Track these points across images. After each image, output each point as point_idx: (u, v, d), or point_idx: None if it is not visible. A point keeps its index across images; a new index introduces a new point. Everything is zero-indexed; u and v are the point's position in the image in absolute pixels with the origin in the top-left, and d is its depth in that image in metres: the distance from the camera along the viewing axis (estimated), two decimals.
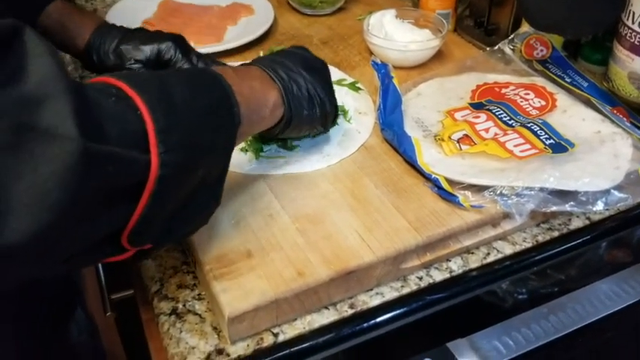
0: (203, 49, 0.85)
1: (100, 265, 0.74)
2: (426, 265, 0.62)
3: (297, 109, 0.62)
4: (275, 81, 0.60)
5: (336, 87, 0.81)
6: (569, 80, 0.83)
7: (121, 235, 0.45)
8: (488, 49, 0.91)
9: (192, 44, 0.78)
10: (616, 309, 0.62)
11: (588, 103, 0.78)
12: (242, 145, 0.71)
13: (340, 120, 0.76)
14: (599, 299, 0.62)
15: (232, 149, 0.53)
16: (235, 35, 0.98)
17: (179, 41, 0.74)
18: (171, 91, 0.46)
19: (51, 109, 0.36)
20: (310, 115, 0.63)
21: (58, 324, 0.75)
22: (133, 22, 1.00)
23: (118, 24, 0.97)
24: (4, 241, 0.34)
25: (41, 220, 0.35)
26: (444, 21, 0.91)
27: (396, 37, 0.88)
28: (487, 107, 0.75)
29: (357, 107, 0.79)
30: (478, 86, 0.81)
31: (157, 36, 0.75)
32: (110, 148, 0.39)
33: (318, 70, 0.65)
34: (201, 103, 0.49)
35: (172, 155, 0.43)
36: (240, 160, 0.69)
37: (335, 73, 0.85)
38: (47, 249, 0.38)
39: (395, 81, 0.76)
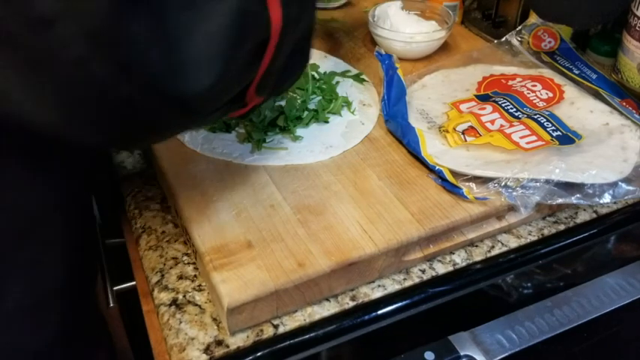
0: None
1: (102, 257, 0.74)
2: (429, 258, 0.61)
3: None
4: None
5: (340, 79, 0.81)
6: (577, 72, 0.82)
7: (247, 89, 0.49)
8: (495, 41, 0.90)
9: None
10: (622, 303, 0.61)
11: (597, 95, 0.77)
12: (244, 135, 0.70)
13: (344, 111, 0.75)
14: (606, 293, 0.61)
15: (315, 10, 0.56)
16: None
17: None
18: None
19: None
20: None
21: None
22: None
23: None
24: (188, 90, 0.40)
25: (214, 70, 0.41)
26: (451, 12, 0.90)
27: (402, 28, 0.87)
28: (493, 99, 0.74)
29: (362, 99, 0.78)
30: (484, 78, 0.80)
31: None
32: (254, 5, 0.42)
33: None
34: None
35: (290, 9, 0.45)
36: (242, 150, 0.68)
37: (340, 65, 0.85)
38: (213, 100, 0.44)
39: (399, 72, 0.75)
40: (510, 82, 0.78)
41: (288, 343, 0.54)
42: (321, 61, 0.84)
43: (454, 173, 0.63)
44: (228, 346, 0.53)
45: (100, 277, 0.73)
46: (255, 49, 0.45)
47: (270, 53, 0.46)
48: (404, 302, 0.58)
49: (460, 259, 0.61)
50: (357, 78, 0.82)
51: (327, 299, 0.57)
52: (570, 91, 0.76)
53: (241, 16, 0.41)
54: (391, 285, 0.59)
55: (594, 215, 0.67)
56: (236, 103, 0.50)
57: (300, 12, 0.48)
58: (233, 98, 0.48)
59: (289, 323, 0.55)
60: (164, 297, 0.58)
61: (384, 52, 0.79)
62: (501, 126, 0.69)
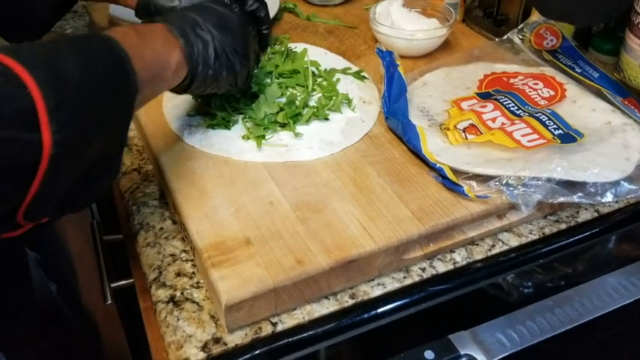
0: None
1: (100, 253, 0.74)
2: (429, 256, 0.61)
3: (200, 67, 0.60)
4: (179, 39, 0.58)
5: (341, 76, 0.80)
6: (579, 70, 0.81)
7: (16, 212, 0.44)
8: (497, 39, 0.89)
9: None
10: (624, 303, 0.60)
11: (599, 94, 0.76)
12: (243, 132, 0.70)
13: (344, 108, 0.75)
14: (607, 293, 0.60)
15: (130, 118, 0.52)
16: None
17: None
18: (63, 64, 0.44)
19: None
20: (216, 74, 0.62)
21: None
22: None
23: (127, 14, 0.96)
24: None
25: None
26: (452, 10, 0.90)
27: (403, 25, 0.87)
28: (494, 97, 0.74)
29: (362, 96, 0.77)
30: (486, 76, 0.80)
31: None
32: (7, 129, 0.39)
33: (231, 29, 0.63)
34: (95, 74, 0.47)
35: (65, 133, 0.42)
36: (242, 147, 0.68)
37: (340, 62, 0.85)
38: None
39: (400, 69, 0.75)
40: (512, 80, 0.78)
41: (286, 341, 0.54)
42: (321, 58, 0.83)
43: (455, 171, 0.63)
44: (226, 344, 0.53)
45: (97, 274, 0.72)
46: (17, 172, 0.41)
47: (40, 177, 0.42)
48: (404, 301, 0.57)
49: (460, 257, 0.61)
50: (358, 75, 0.81)
51: (327, 297, 0.57)
52: (572, 89, 0.76)
53: None
54: (391, 283, 0.58)
55: (596, 214, 0.66)
56: (2, 224, 0.45)
57: (85, 135, 0.45)
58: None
59: (288, 321, 0.55)
60: (162, 294, 0.57)
61: (384, 49, 0.79)
62: (503, 124, 0.69)
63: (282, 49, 0.83)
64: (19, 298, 0.74)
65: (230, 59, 0.62)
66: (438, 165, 0.63)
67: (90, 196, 0.52)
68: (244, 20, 0.66)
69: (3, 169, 0.40)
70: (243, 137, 0.69)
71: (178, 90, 0.62)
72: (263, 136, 0.69)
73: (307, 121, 0.72)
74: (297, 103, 0.72)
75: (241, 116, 0.72)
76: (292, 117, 0.71)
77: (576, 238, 0.64)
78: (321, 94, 0.76)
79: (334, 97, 0.75)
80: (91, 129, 0.46)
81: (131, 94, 0.51)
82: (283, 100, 0.73)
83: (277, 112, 0.71)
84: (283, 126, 0.71)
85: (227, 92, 0.67)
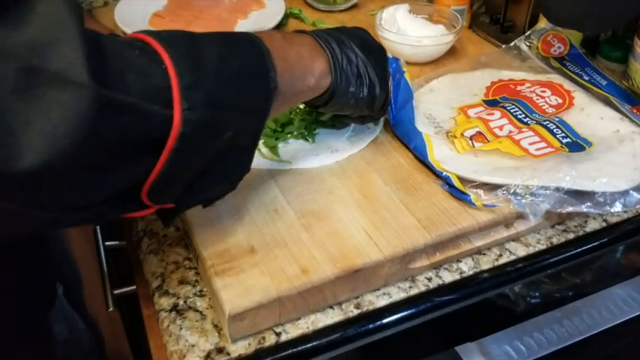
0: None
1: (103, 259, 0.73)
2: (436, 266, 0.60)
3: (343, 82, 0.59)
4: (325, 50, 0.58)
5: None
6: (587, 78, 0.81)
7: (140, 190, 0.44)
8: (503, 46, 0.89)
9: None
10: (633, 315, 0.59)
11: (607, 102, 0.75)
12: None
13: None
14: (616, 304, 0.60)
15: (267, 115, 0.51)
16: (245, 29, 0.96)
17: None
18: (201, 49, 0.45)
19: (60, 52, 0.35)
20: (356, 92, 0.61)
21: (34, 319, 0.74)
22: (144, 15, 1.00)
23: (128, 17, 0.96)
24: (15, 167, 0.34)
25: (52, 166, 0.35)
26: (459, 16, 0.89)
27: (409, 32, 0.86)
28: (502, 104, 0.73)
29: None
30: (493, 83, 0.79)
31: None
32: (127, 98, 0.38)
33: (374, 52, 0.63)
34: (232, 64, 0.47)
35: (196, 113, 0.42)
36: None
37: None
38: (58, 193, 0.38)
39: (406, 75, 0.74)
40: (519, 88, 0.77)
41: (290, 351, 0.53)
42: None
43: (462, 179, 0.62)
44: (229, 354, 0.52)
45: (100, 281, 0.72)
46: (145, 145, 0.41)
47: (166, 155, 0.42)
48: (409, 311, 0.56)
49: (467, 267, 0.60)
50: None
51: (331, 307, 0.56)
52: (580, 97, 0.75)
53: (101, 107, 0.36)
54: (397, 293, 0.58)
55: (604, 224, 0.65)
56: (128, 202, 0.45)
57: (216, 119, 0.45)
58: (122, 195, 0.43)
59: (292, 331, 0.54)
60: (164, 302, 0.57)
61: (391, 56, 0.78)
62: (510, 132, 0.68)
63: None
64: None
65: (371, 80, 0.61)
66: (444, 173, 0.63)
67: (216, 190, 0.53)
68: (386, 52, 0.66)
69: (128, 139, 0.40)
70: None
71: (317, 103, 0.61)
72: (276, 146, 0.68)
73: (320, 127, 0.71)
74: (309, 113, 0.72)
75: None
76: (306, 127, 0.70)
77: (584, 248, 0.63)
78: None
79: None
80: (223, 115, 0.45)
81: (269, 90, 0.50)
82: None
83: (289, 123, 0.70)
84: (297, 134, 0.70)
85: (360, 117, 0.67)
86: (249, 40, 0.51)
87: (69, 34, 0.36)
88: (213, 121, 0.45)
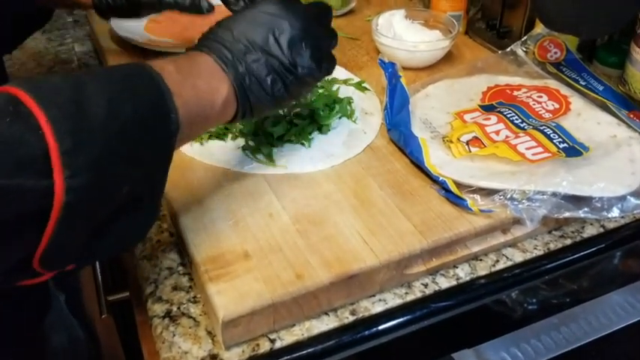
0: None
1: (97, 266, 0.73)
2: (432, 272, 0.59)
3: (255, 99, 0.54)
4: (228, 73, 0.52)
5: (342, 87, 0.80)
6: (583, 83, 0.81)
7: (31, 261, 0.41)
8: (500, 51, 0.89)
9: None
10: (631, 321, 0.59)
11: (604, 107, 0.75)
12: (243, 143, 0.69)
13: (346, 120, 0.74)
14: (614, 310, 0.59)
15: (169, 160, 0.48)
16: None
17: None
18: (87, 102, 0.41)
19: None
20: (277, 97, 0.55)
21: (28, 326, 0.72)
22: (140, 20, 0.99)
23: (124, 24, 0.96)
24: None
25: None
26: (455, 22, 0.89)
27: (405, 37, 0.86)
28: (498, 109, 0.73)
29: (364, 107, 0.77)
30: (489, 88, 0.79)
31: None
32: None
33: (293, 38, 0.55)
34: (125, 111, 0.42)
35: (80, 179, 0.38)
36: (241, 158, 0.67)
37: (342, 73, 0.84)
38: None
39: (402, 80, 0.74)
40: (515, 93, 0.77)
41: (285, 358, 0.52)
42: None
43: (458, 184, 0.62)
44: None
45: (93, 288, 0.71)
46: (25, 221, 0.38)
47: (52, 227, 0.38)
48: (406, 317, 0.56)
49: (464, 273, 0.60)
50: (359, 86, 0.80)
51: (326, 313, 0.55)
52: (577, 102, 0.75)
53: None
54: (392, 299, 0.57)
55: (601, 230, 0.65)
56: (20, 273, 0.42)
57: (108, 179, 0.41)
58: (9, 270, 0.41)
59: (286, 338, 0.53)
60: (158, 308, 0.56)
61: (387, 60, 0.78)
62: (507, 137, 0.68)
63: None
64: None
65: (287, 69, 0.55)
66: (440, 178, 0.62)
67: (122, 244, 0.49)
68: (307, 18, 0.56)
69: (8, 218, 0.37)
70: (242, 148, 0.68)
71: (234, 123, 0.58)
72: (271, 153, 0.67)
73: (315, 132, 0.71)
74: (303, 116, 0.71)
75: (238, 128, 0.71)
76: (300, 133, 0.70)
77: (582, 254, 0.63)
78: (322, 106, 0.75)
79: (337, 103, 0.74)
80: (114, 173, 0.42)
81: (170, 133, 0.46)
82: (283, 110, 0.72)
83: (285, 132, 0.69)
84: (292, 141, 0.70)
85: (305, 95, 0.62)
86: (146, 75, 0.46)
87: None
88: (103, 182, 0.41)
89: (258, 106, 0.55)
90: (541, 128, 0.68)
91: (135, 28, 0.96)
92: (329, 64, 0.60)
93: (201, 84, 0.50)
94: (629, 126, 0.71)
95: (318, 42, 0.58)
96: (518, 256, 0.61)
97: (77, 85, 0.42)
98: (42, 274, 0.43)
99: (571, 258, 0.62)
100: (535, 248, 0.62)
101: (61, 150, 0.38)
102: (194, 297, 0.57)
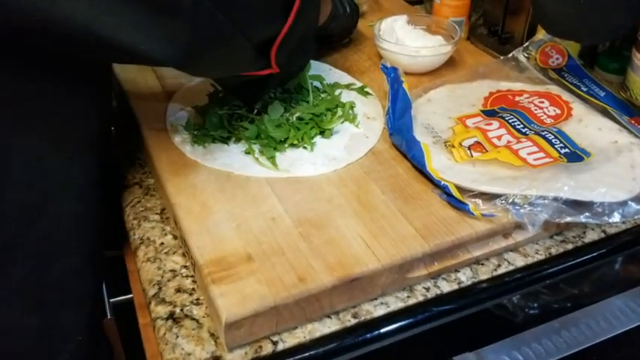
0: None
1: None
2: (434, 276, 0.60)
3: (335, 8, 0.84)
4: None
5: (344, 91, 0.80)
6: (585, 89, 0.81)
7: (271, 47, 0.58)
8: (502, 57, 0.89)
9: None
10: (632, 326, 0.59)
11: (605, 113, 0.76)
12: (246, 146, 0.69)
13: (348, 125, 0.74)
14: (615, 315, 0.59)
15: (318, 10, 0.70)
16: None
17: None
18: None
19: None
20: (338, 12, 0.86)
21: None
22: None
23: None
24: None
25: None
26: (457, 27, 0.89)
27: (407, 42, 0.86)
28: (500, 115, 0.73)
29: (366, 112, 0.77)
30: (491, 93, 0.79)
31: None
32: None
33: None
34: None
35: None
36: (244, 162, 0.67)
37: (344, 78, 0.84)
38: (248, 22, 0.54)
39: (405, 85, 0.74)
40: (517, 98, 0.77)
41: None
42: (325, 73, 0.83)
43: (460, 189, 0.62)
44: None
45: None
46: (282, 4, 0.55)
47: (293, 15, 0.55)
48: (407, 321, 0.56)
49: (465, 277, 0.60)
50: (362, 91, 0.81)
51: (328, 316, 0.56)
52: (578, 108, 0.75)
53: None
54: (394, 303, 0.57)
55: (603, 235, 0.65)
56: (264, 57, 0.59)
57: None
58: (262, 50, 0.57)
59: (289, 340, 0.54)
60: (161, 310, 0.56)
61: (389, 65, 0.78)
62: (508, 142, 0.68)
63: None
64: None
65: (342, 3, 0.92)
66: (442, 182, 0.63)
67: (303, 59, 0.72)
68: None
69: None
70: (245, 152, 0.68)
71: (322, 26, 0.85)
72: (274, 157, 0.68)
73: (318, 136, 0.72)
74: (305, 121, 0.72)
75: (241, 132, 0.71)
76: (303, 137, 0.70)
77: (583, 258, 0.63)
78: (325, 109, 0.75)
79: (340, 107, 0.74)
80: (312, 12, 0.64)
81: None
82: (286, 115, 0.72)
83: (288, 136, 0.70)
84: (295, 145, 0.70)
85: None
86: None
87: None
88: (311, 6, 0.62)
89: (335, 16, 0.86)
90: (543, 134, 0.68)
91: None
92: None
93: None
94: (630, 132, 0.71)
95: None
96: (519, 261, 0.62)
97: None
98: (269, 66, 0.60)
99: (572, 263, 0.62)
100: (536, 253, 0.63)
101: None
102: (197, 299, 0.57)
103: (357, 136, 0.72)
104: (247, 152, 0.68)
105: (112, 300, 0.69)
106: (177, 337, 0.54)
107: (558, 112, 0.74)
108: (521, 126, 0.71)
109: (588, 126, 0.72)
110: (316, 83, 0.79)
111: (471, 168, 0.65)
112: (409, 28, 0.90)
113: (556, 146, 0.66)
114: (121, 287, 0.71)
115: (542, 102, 0.76)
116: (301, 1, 0.55)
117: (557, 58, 0.85)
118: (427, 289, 0.59)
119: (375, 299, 0.57)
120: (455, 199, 0.61)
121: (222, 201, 0.62)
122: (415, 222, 0.60)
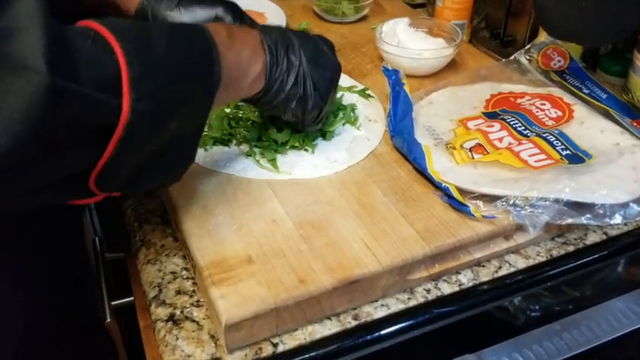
0: None
1: (101, 271, 0.73)
2: (435, 277, 0.59)
3: (275, 89, 0.61)
4: (265, 54, 0.59)
5: (346, 94, 0.80)
6: (587, 92, 0.81)
7: (88, 177, 0.46)
8: (503, 60, 0.89)
9: None
10: (633, 328, 0.59)
11: (607, 115, 0.75)
12: (247, 149, 0.69)
13: (349, 127, 0.74)
14: (616, 317, 0.59)
15: (210, 106, 0.53)
16: None
17: (232, 6, 0.72)
18: (151, 40, 0.47)
19: (23, 40, 0.37)
20: (287, 100, 0.62)
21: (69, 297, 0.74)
22: None
23: None
24: None
25: (7, 150, 0.37)
26: (459, 30, 0.90)
27: (409, 45, 0.87)
28: (501, 117, 0.73)
29: (367, 114, 0.77)
30: (492, 96, 0.79)
31: (210, 1, 0.72)
32: (79, 87, 0.40)
33: (322, 66, 0.64)
34: (180, 55, 0.49)
35: (144, 104, 0.44)
36: (245, 164, 0.67)
37: (346, 81, 0.84)
38: (10, 175, 0.40)
39: (406, 87, 0.74)
40: (519, 101, 0.77)
41: None
42: None
43: (461, 191, 0.62)
44: None
45: (98, 292, 0.71)
46: (93, 133, 0.43)
47: (114, 143, 0.44)
48: (408, 323, 0.56)
49: (466, 279, 0.60)
50: (363, 93, 0.81)
51: (329, 318, 0.56)
52: (580, 110, 0.75)
53: (55, 95, 0.38)
54: (395, 304, 0.57)
55: (604, 237, 0.65)
56: (75, 188, 0.47)
57: (162, 110, 0.46)
58: (68, 183, 0.46)
59: (289, 342, 0.54)
60: (161, 312, 0.56)
61: (390, 68, 0.79)
62: (510, 144, 0.68)
63: None
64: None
65: (307, 92, 0.62)
66: (443, 184, 0.63)
67: (161, 179, 0.56)
68: (339, 70, 0.67)
69: (79, 126, 0.42)
70: (246, 154, 0.69)
71: (251, 101, 0.63)
72: (275, 159, 0.68)
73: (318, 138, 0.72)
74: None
75: (242, 134, 0.71)
76: (304, 139, 0.70)
77: (584, 260, 0.63)
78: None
79: (341, 110, 0.74)
80: (169, 106, 0.47)
81: (214, 82, 0.52)
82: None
83: (289, 138, 0.70)
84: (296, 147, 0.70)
85: (292, 121, 0.67)
86: (198, 31, 0.52)
87: (34, 23, 0.38)
88: (160, 111, 0.46)
89: (272, 98, 0.61)
90: (544, 135, 0.68)
91: None
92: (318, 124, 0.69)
93: (245, 54, 0.57)
94: (632, 134, 0.71)
95: (334, 96, 0.68)
96: (520, 263, 0.62)
97: (143, 26, 0.49)
98: (94, 194, 0.48)
99: (573, 265, 0.62)
100: (538, 255, 0.62)
101: (131, 75, 0.43)
102: (197, 301, 0.57)
103: (358, 138, 0.72)
104: (248, 154, 0.69)
105: (113, 303, 0.69)
106: (178, 338, 0.54)
107: (560, 114, 0.74)
108: (523, 128, 0.70)
109: (590, 128, 0.72)
110: None
111: (472, 170, 0.65)
112: (411, 31, 0.91)
113: (557, 148, 0.66)
114: (122, 290, 0.71)
115: (544, 104, 0.76)
116: (126, 128, 0.43)
117: (559, 61, 0.85)
118: (428, 291, 0.59)
119: (376, 301, 0.57)
120: (456, 201, 0.61)
121: (223, 203, 0.62)
122: (416, 224, 0.59)
